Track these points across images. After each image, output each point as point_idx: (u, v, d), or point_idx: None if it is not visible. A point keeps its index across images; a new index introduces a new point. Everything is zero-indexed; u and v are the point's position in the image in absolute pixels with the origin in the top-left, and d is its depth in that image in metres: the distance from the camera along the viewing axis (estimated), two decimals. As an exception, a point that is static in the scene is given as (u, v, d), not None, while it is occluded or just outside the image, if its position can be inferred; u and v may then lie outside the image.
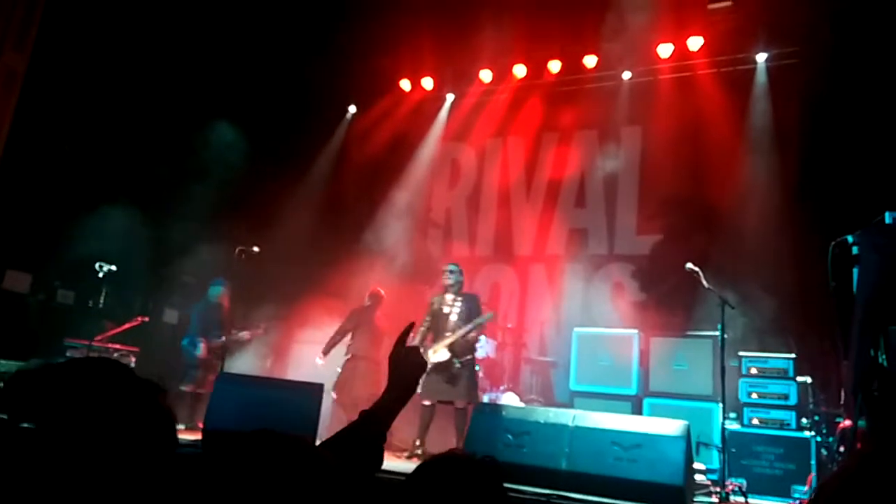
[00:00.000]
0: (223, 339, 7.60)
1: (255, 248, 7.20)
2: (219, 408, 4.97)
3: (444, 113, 10.60)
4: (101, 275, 6.91)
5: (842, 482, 1.08)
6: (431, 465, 1.64)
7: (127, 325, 7.74)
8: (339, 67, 9.69)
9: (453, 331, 6.70)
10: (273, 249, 8.13)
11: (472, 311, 6.85)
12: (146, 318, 8.01)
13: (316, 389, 5.24)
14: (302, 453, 1.08)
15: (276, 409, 4.79)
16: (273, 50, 9.54)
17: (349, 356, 7.69)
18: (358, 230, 9.72)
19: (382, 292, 8.07)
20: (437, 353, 6.66)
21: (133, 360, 7.50)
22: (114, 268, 6.94)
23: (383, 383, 1.86)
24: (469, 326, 6.69)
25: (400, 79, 10.46)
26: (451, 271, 7.02)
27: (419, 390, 6.27)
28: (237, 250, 7.15)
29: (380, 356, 7.71)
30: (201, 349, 7.41)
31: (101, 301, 7.18)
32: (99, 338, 7.38)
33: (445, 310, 6.89)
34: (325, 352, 7.73)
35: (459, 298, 6.94)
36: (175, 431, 1.35)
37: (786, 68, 8.39)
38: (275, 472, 1.03)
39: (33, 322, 7.48)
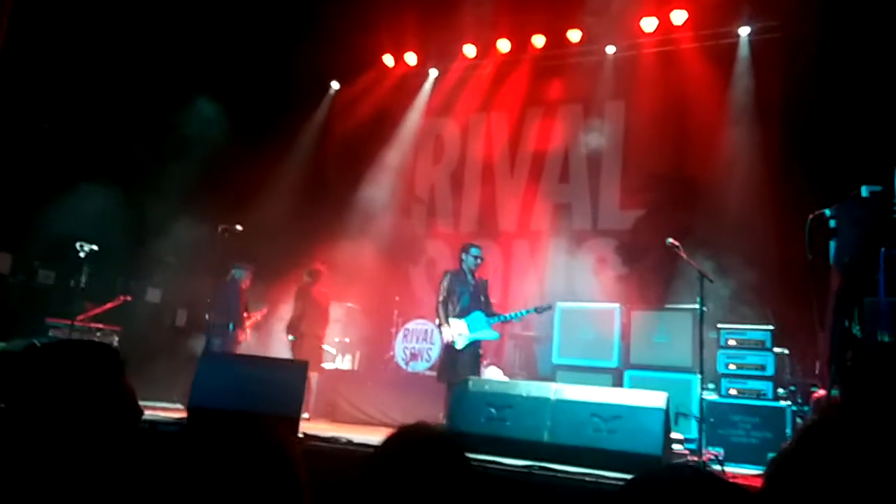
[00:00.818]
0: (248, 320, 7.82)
1: (238, 227, 7.17)
2: (203, 386, 5.00)
3: (427, 88, 10.55)
4: (81, 255, 6.87)
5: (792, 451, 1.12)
6: (396, 438, 1.68)
7: (109, 305, 7.73)
8: (321, 43, 9.58)
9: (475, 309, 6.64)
10: (256, 226, 8.10)
11: (486, 297, 6.82)
12: (128, 298, 7.99)
13: (301, 367, 5.28)
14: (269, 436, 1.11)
15: (260, 388, 4.82)
16: (255, 25, 9.42)
17: (295, 338, 7.74)
18: (341, 207, 9.70)
19: (321, 268, 8.02)
20: (475, 336, 6.58)
21: (116, 339, 7.49)
22: (95, 247, 6.90)
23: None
24: (530, 311, 6.78)
25: (383, 54, 10.37)
26: (476, 256, 6.85)
27: (452, 370, 6.33)
28: (220, 228, 7.13)
29: (322, 332, 7.78)
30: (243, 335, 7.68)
31: (83, 281, 7.13)
32: (81, 317, 7.36)
33: (471, 291, 6.73)
34: (289, 332, 7.78)
35: (479, 282, 6.86)
36: (135, 407, 1.40)
37: (769, 42, 8.40)
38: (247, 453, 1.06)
39: (14, 302, 7.44)
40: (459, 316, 6.59)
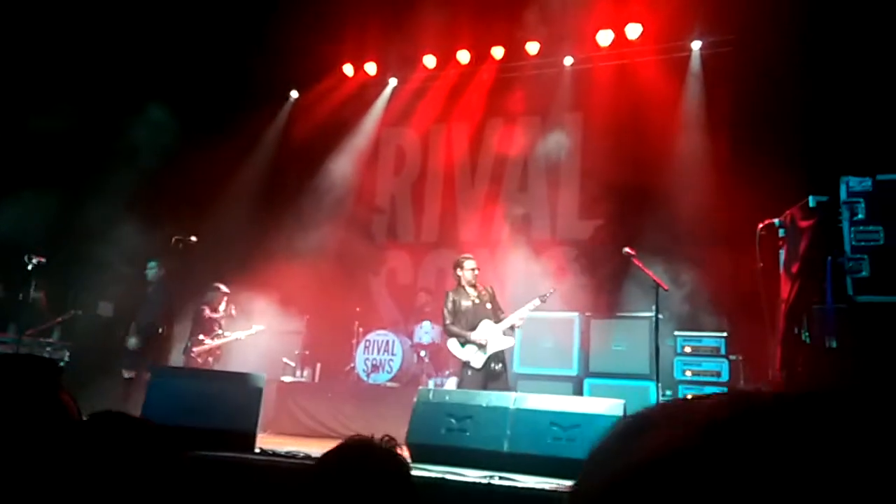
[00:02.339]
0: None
1: (193, 238, 7.04)
2: (156, 402, 4.87)
3: (387, 99, 10.55)
4: (29, 267, 6.66)
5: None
6: (336, 452, 1.68)
7: (58, 319, 7.50)
8: (281, 51, 9.50)
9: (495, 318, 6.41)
10: (212, 237, 7.98)
11: (494, 304, 6.58)
12: (79, 311, 7.77)
13: (256, 381, 5.19)
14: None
15: (215, 403, 4.72)
16: (214, 31, 9.30)
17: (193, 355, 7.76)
18: (299, 217, 9.60)
19: (222, 288, 8.00)
20: (496, 342, 6.33)
21: (67, 354, 7.27)
22: (43, 259, 6.70)
23: None
24: (534, 302, 6.42)
25: (343, 63, 10.34)
26: (472, 268, 6.62)
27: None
28: (174, 239, 7.00)
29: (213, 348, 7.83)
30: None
31: (31, 294, 6.91)
32: (30, 332, 7.13)
33: (475, 302, 6.49)
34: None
35: (484, 289, 6.65)
36: (69, 420, 1.40)
37: (719, 56, 8.65)
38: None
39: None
40: (470, 331, 6.37)
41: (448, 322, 6.45)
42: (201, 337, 7.81)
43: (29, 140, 7.93)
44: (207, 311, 7.81)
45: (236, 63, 9.55)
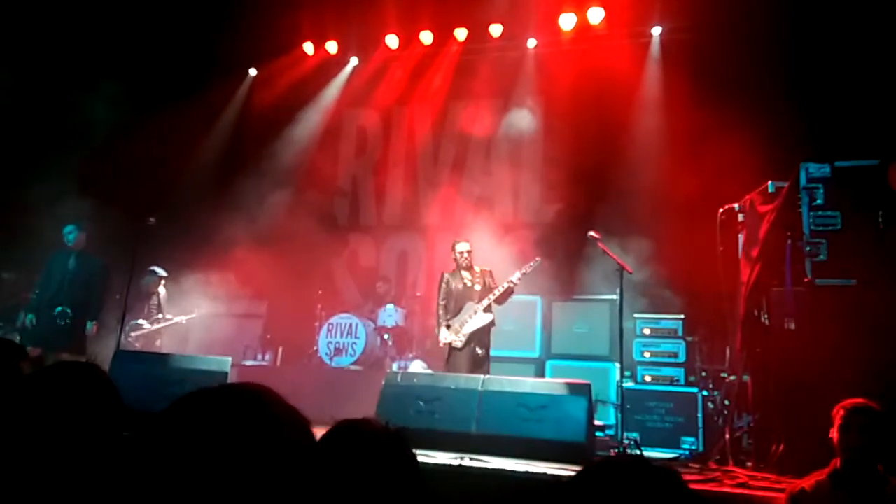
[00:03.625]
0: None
1: (151, 219, 6.84)
2: (120, 387, 4.72)
3: (349, 79, 10.38)
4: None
5: None
6: (339, 433, 1.65)
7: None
8: (240, 27, 9.24)
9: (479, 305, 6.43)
10: (169, 218, 7.75)
11: (485, 285, 6.59)
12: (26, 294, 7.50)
13: (221, 364, 5.10)
14: None
15: (180, 387, 4.62)
16: (171, 7, 8.97)
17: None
18: (260, 198, 9.41)
19: (158, 271, 7.94)
20: (473, 321, 6.41)
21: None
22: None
23: None
24: (517, 273, 6.46)
25: (303, 42, 10.13)
26: (461, 251, 6.66)
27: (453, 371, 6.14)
28: (133, 221, 6.78)
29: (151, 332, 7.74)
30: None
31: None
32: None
33: (466, 285, 6.56)
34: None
35: (478, 274, 6.65)
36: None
37: (678, 42, 8.77)
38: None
39: None
40: (455, 314, 6.48)
41: (440, 304, 6.59)
42: (140, 321, 7.65)
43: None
44: (143, 295, 7.68)
45: (194, 39, 9.25)
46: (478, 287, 6.58)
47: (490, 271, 6.80)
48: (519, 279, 6.50)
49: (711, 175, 7.34)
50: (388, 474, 1.60)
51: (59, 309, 6.79)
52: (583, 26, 9.18)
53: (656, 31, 9.04)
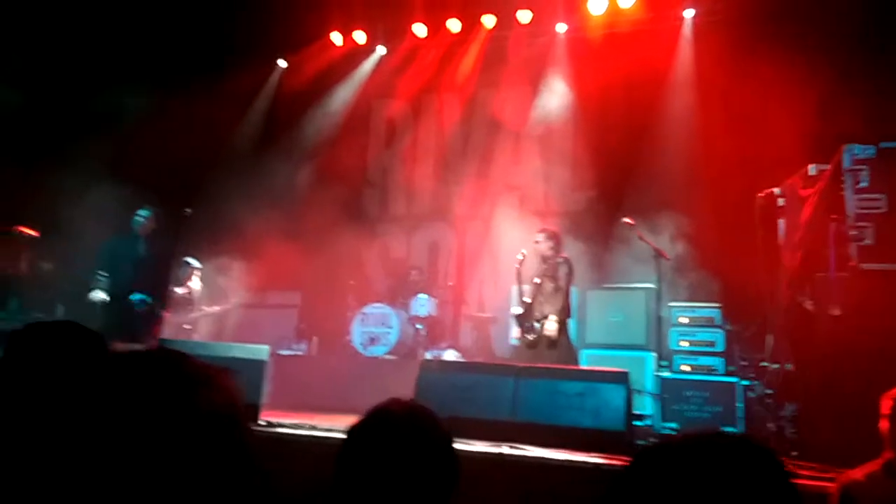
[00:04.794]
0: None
1: (188, 210, 6.90)
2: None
3: (377, 69, 10.36)
4: (21, 242, 6.50)
5: None
6: (370, 421, 1.65)
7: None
8: (269, 18, 9.27)
9: (545, 302, 6.32)
10: (202, 209, 7.82)
11: (560, 276, 6.38)
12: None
13: (260, 353, 5.14)
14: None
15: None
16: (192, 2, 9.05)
17: None
18: (291, 190, 9.46)
19: (192, 263, 7.80)
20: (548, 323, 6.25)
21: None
22: (35, 234, 6.54)
23: None
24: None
25: (331, 31, 10.13)
26: (536, 241, 6.52)
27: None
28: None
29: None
30: None
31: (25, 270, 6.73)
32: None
33: (538, 275, 6.46)
34: None
35: (548, 262, 6.48)
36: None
37: (712, 24, 8.60)
38: None
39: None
40: None
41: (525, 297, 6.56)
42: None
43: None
44: (179, 287, 7.73)
45: (224, 28, 9.29)
46: (537, 280, 6.55)
47: (559, 260, 6.62)
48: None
49: (748, 159, 7.20)
50: (423, 454, 1.60)
51: (137, 296, 6.66)
52: (613, 10, 9.05)
53: (689, 13, 8.87)
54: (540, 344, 6.20)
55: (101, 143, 8.07)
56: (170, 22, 9.06)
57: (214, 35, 9.36)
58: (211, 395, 0.91)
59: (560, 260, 6.44)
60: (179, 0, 8.98)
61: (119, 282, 6.62)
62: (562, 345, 6.17)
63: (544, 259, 6.46)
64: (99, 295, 6.54)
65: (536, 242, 6.51)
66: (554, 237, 6.52)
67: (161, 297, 6.87)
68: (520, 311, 6.44)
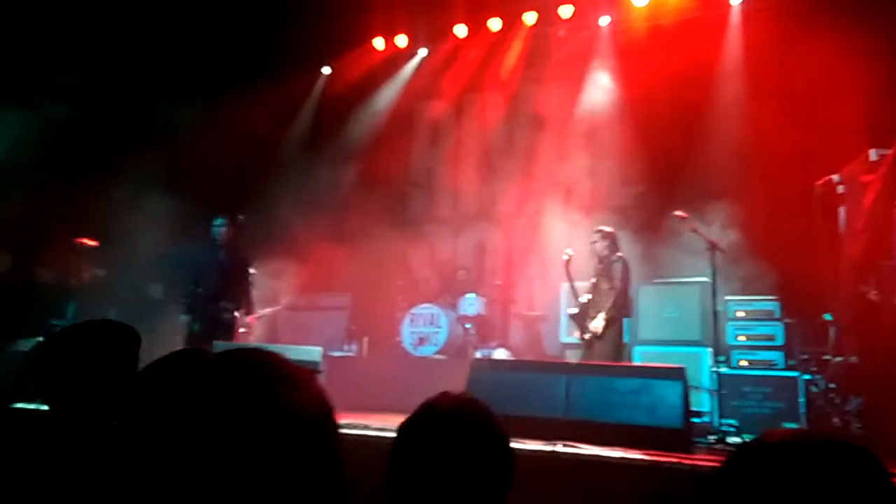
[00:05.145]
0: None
1: (241, 216, 7.05)
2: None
3: (419, 71, 10.42)
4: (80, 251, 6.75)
5: None
6: (421, 416, 1.64)
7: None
8: (312, 26, 9.41)
9: (600, 301, 6.26)
10: (253, 214, 7.98)
11: (614, 275, 6.33)
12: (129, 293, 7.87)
13: (313, 354, 5.21)
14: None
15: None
16: (239, 6, 9.23)
17: None
18: (338, 193, 9.57)
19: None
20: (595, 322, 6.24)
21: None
22: (95, 243, 6.77)
23: None
24: None
25: (373, 37, 10.23)
26: (592, 241, 6.51)
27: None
28: (224, 219, 7.00)
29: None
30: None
31: (83, 279, 6.98)
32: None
33: (593, 279, 6.46)
34: None
35: (602, 261, 6.45)
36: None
37: (761, 12, 8.36)
38: None
39: (15, 302, 7.29)
40: None
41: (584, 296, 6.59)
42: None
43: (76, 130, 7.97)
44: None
45: (268, 40, 9.47)
46: (593, 280, 6.55)
47: (613, 259, 6.56)
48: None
49: (804, 146, 6.97)
50: (476, 449, 1.58)
51: (221, 304, 6.74)
52: (656, 2, 8.90)
53: (736, 0, 8.65)
54: (594, 346, 6.13)
55: (153, 154, 8.31)
56: (217, 34, 9.28)
57: (260, 45, 9.55)
58: (303, 396, 0.89)
59: (615, 258, 6.35)
60: (226, 12, 9.17)
61: (203, 290, 6.75)
62: (606, 341, 6.09)
63: (600, 259, 6.39)
64: (156, 291, 6.74)
65: (592, 242, 6.49)
66: (609, 237, 6.48)
67: (244, 303, 6.99)
68: (575, 311, 6.38)
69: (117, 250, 7.60)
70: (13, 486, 1.64)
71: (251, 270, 7.35)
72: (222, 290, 6.77)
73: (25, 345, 6.07)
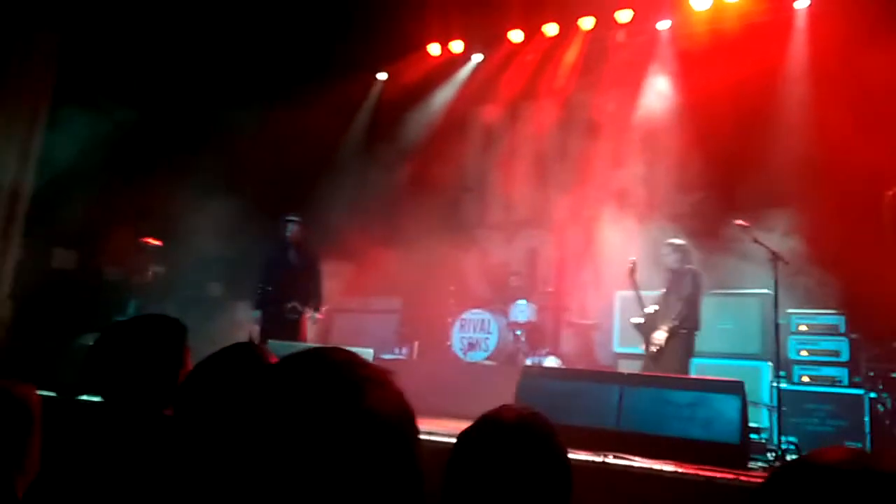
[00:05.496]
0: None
1: (298, 218, 7.19)
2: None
3: (473, 76, 10.44)
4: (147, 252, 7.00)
5: None
6: (482, 427, 1.62)
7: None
8: (368, 33, 9.53)
9: (667, 313, 6.13)
10: (309, 217, 8.12)
11: (683, 287, 6.14)
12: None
13: (363, 356, 5.24)
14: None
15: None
16: (294, 15, 9.42)
17: None
18: (390, 197, 9.66)
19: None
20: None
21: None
22: (160, 243, 7.01)
23: None
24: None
25: (429, 43, 10.29)
26: (664, 254, 6.41)
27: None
28: (284, 220, 7.16)
29: None
30: None
31: (146, 277, 7.23)
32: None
33: (663, 291, 6.36)
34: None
35: (674, 273, 6.33)
36: None
37: (825, 14, 8.07)
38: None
39: (82, 299, 7.59)
40: None
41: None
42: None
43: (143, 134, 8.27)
44: None
45: (326, 46, 9.63)
46: (664, 289, 6.45)
47: (684, 272, 6.39)
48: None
49: (874, 153, 6.68)
50: (536, 465, 1.56)
51: (290, 303, 6.92)
52: (718, 6, 8.69)
53: (801, 3, 8.37)
54: (660, 358, 6.01)
55: (214, 156, 8.54)
56: (277, 40, 9.49)
57: (319, 51, 9.72)
58: (387, 396, 0.88)
59: (687, 268, 6.25)
60: (285, 19, 9.37)
61: (274, 289, 6.92)
62: (670, 354, 5.93)
63: (671, 271, 6.28)
64: (215, 290, 6.91)
65: (664, 255, 6.40)
66: (680, 249, 6.36)
67: (313, 300, 7.11)
68: (640, 321, 6.27)
69: (178, 250, 7.83)
70: (73, 477, 1.70)
71: (320, 268, 7.46)
72: (293, 287, 6.92)
73: (89, 339, 6.31)
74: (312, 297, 7.09)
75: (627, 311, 7.66)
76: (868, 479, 0.89)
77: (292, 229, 7.06)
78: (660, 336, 5.97)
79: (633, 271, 6.43)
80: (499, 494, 1.51)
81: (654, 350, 6.02)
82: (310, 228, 7.28)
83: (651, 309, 6.28)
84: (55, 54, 8.28)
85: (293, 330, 6.85)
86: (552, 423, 1.68)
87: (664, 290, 6.34)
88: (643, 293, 7.39)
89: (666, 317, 6.09)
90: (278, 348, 5.59)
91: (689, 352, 6.07)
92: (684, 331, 6.03)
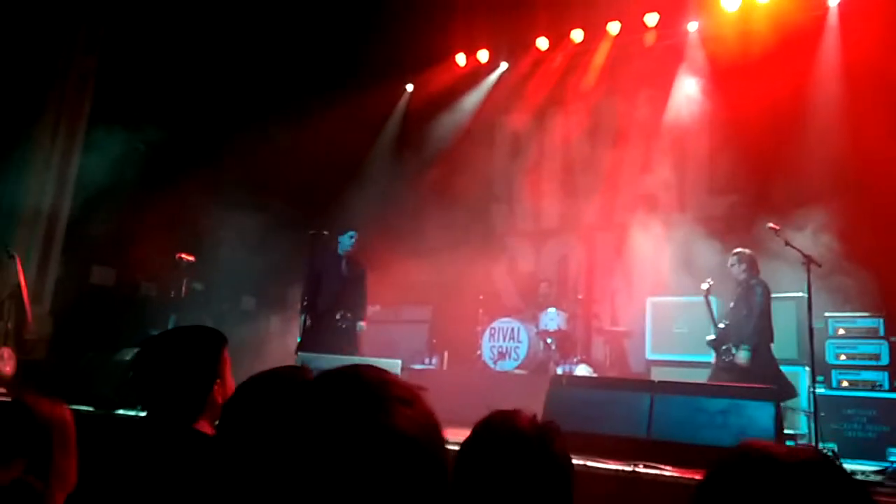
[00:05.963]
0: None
1: (325, 232, 7.28)
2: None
3: (500, 84, 10.46)
4: (181, 267, 7.14)
5: None
6: (483, 427, 1.63)
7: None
8: (396, 44, 9.63)
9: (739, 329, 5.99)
10: (338, 228, 8.21)
11: (751, 303, 6.01)
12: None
13: (392, 367, 5.27)
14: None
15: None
16: (324, 25, 9.56)
17: None
18: (420, 207, 9.71)
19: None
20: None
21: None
22: (192, 258, 7.15)
23: None
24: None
25: (456, 53, 10.35)
26: (731, 264, 6.29)
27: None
28: (310, 234, 7.24)
29: None
30: None
31: (182, 292, 7.38)
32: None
33: (732, 304, 6.24)
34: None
35: (744, 288, 6.14)
36: None
37: (858, 11, 7.91)
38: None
39: (120, 314, 7.78)
40: None
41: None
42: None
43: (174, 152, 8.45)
44: None
45: (354, 58, 9.75)
46: (731, 303, 6.35)
47: (745, 284, 6.27)
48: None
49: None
50: (535, 472, 1.56)
51: (340, 313, 7.08)
52: (747, 6, 8.57)
53: (833, 1, 8.21)
54: (735, 369, 5.88)
55: (244, 171, 8.69)
56: (304, 53, 9.64)
57: (346, 63, 9.85)
58: (416, 415, 0.90)
59: (754, 282, 6.10)
60: (312, 32, 9.52)
61: (324, 299, 7.11)
62: (755, 372, 5.76)
63: (738, 283, 6.18)
64: (249, 304, 7.03)
65: (730, 266, 6.28)
66: (746, 259, 6.20)
67: (359, 310, 7.28)
68: (713, 337, 6.18)
69: (212, 264, 7.98)
70: (111, 490, 1.74)
71: (367, 281, 7.59)
72: (342, 298, 7.12)
73: (127, 354, 6.47)
74: (359, 307, 7.27)
75: (660, 317, 7.59)
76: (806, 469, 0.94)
77: (351, 243, 7.33)
78: (743, 356, 5.82)
79: (708, 292, 6.34)
80: (495, 498, 1.52)
81: (736, 365, 5.86)
82: (362, 242, 7.41)
83: (723, 324, 6.18)
84: (93, 76, 8.52)
85: (346, 340, 7.02)
86: (552, 426, 1.68)
87: (732, 303, 6.19)
88: (683, 299, 7.33)
89: (740, 333, 5.94)
90: (323, 361, 5.67)
91: (772, 361, 5.96)
92: (764, 346, 5.92)
